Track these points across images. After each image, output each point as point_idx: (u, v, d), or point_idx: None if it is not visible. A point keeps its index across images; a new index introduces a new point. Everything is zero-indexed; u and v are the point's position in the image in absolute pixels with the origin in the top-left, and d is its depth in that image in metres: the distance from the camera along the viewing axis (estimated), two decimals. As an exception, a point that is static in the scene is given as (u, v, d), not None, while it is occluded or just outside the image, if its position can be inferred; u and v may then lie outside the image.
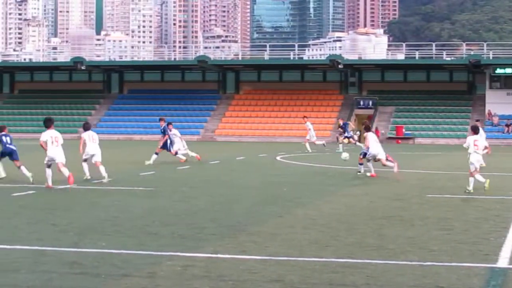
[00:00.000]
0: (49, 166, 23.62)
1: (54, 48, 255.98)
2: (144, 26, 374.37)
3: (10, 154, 26.38)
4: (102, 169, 26.27)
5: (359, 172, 29.28)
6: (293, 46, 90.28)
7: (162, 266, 11.21)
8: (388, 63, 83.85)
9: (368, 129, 29.90)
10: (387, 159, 29.00)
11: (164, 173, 29.89)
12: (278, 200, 20.52)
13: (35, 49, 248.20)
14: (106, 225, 15.41)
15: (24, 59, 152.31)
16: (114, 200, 20.05)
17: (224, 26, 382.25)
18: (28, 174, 24.83)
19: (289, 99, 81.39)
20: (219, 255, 12.06)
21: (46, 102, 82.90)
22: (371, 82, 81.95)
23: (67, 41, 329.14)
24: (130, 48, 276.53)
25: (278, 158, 39.57)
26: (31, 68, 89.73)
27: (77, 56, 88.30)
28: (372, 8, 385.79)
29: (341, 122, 54.10)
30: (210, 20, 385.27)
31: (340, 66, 77.84)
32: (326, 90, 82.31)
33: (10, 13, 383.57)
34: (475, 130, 23.88)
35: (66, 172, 23.46)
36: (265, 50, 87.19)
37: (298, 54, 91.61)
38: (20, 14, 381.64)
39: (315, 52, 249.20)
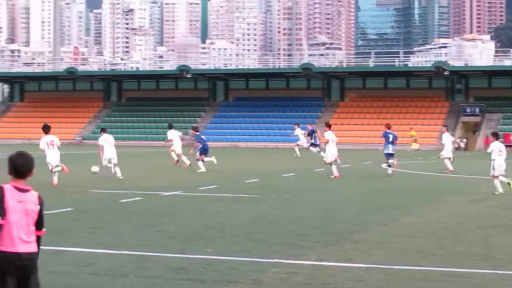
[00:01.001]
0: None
1: (160, 57, 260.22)
2: (248, 34, 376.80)
3: None
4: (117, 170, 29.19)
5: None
6: (398, 53, 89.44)
7: (267, 273, 11.24)
8: (495, 70, 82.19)
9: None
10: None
11: (269, 180, 29.97)
12: (383, 207, 20.36)
13: (142, 57, 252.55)
14: (212, 231, 15.56)
15: (131, 68, 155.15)
16: (220, 207, 20.23)
17: (328, 33, 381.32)
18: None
19: (394, 106, 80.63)
20: (323, 263, 12.03)
21: (153, 110, 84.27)
22: (477, 88, 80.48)
23: (173, 50, 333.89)
24: (235, 56, 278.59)
25: (383, 165, 39.21)
26: (138, 77, 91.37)
27: (182, 64, 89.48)
28: (478, 14, 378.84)
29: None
30: (314, 27, 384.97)
31: (446, 73, 76.73)
32: (431, 97, 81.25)
33: (117, 23, 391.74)
34: (496, 136, 25.48)
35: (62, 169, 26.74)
36: (370, 57, 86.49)
37: (403, 61, 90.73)
38: (127, 24, 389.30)
39: (420, 59, 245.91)
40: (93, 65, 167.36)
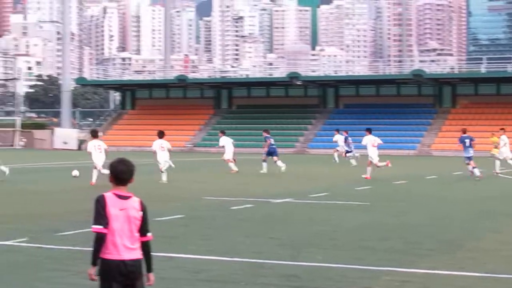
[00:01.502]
0: (95, 167, 29.50)
1: (270, 64, 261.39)
2: (358, 41, 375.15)
3: None
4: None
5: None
6: (511, 58, 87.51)
7: (379, 281, 11.21)
8: None
9: None
10: None
11: (380, 187, 29.80)
12: (495, 214, 20.01)
13: (252, 65, 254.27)
14: (323, 239, 15.59)
15: (241, 75, 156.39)
16: (331, 214, 20.24)
17: (439, 39, 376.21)
18: None
19: (507, 112, 78.89)
20: (436, 271, 11.92)
21: (263, 117, 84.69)
22: None
23: (282, 57, 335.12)
24: (345, 62, 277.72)
25: (496, 172, 38.47)
26: (248, 84, 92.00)
27: (292, 71, 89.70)
28: None
29: (345, 135, 51.75)
30: (425, 33, 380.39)
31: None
32: (547, 102, 79.12)
33: (227, 30, 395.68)
34: None
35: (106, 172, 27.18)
36: (482, 63, 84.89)
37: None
38: (237, 31, 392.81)
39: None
40: (203, 72, 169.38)
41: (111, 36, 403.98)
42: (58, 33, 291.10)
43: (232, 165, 38.36)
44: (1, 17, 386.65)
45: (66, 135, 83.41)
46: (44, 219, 18.60)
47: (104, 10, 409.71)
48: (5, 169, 33.42)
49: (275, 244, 14.77)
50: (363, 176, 34.42)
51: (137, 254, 7.07)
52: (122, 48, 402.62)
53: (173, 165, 32.95)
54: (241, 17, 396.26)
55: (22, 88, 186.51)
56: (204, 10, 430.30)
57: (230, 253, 13.59)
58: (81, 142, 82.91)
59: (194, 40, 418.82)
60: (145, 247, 7.18)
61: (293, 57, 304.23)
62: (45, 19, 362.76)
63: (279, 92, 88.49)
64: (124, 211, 6.99)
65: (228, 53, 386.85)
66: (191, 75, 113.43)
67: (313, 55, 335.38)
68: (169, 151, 32.50)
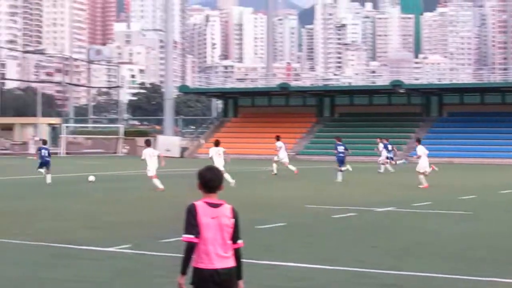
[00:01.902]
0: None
1: (373, 72, 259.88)
2: (462, 48, 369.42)
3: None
4: None
5: None
6: None
7: (482, 291, 11.10)
8: None
9: None
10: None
11: (485, 196, 29.33)
12: None
13: (354, 73, 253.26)
14: (425, 248, 15.48)
15: (344, 83, 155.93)
16: (433, 224, 20.05)
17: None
18: None
19: None
20: (542, 283, 11.72)
21: (365, 126, 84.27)
22: None
23: (385, 65, 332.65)
24: (449, 70, 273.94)
25: None
26: (351, 92, 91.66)
27: (395, 79, 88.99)
28: None
29: (385, 142, 51.85)
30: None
31: None
32: None
33: (329, 38, 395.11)
34: None
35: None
36: None
37: None
38: (339, 39, 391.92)
39: None
40: (306, 80, 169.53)
41: (214, 44, 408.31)
42: (161, 41, 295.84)
43: (291, 166, 41.34)
44: (105, 25, 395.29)
45: (168, 143, 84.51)
46: (147, 226, 18.96)
47: (207, 18, 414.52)
48: (92, 178, 35.68)
49: (378, 253, 14.73)
50: (420, 186, 33.90)
51: (230, 262, 7.01)
52: (225, 56, 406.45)
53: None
54: (343, 25, 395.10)
55: (125, 96, 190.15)
56: (306, 18, 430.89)
57: (331, 262, 13.61)
58: (184, 150, 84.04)
59: (296, 48, 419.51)
60: (236, 254, 7.10)
61: (396, 65, 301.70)
62: (148, 28, 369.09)
63: (382, 100, 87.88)
64: (215, 219, 6.96)
65: (331, 61, 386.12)
66: (293, 83, 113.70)
67: (416, 63, 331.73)
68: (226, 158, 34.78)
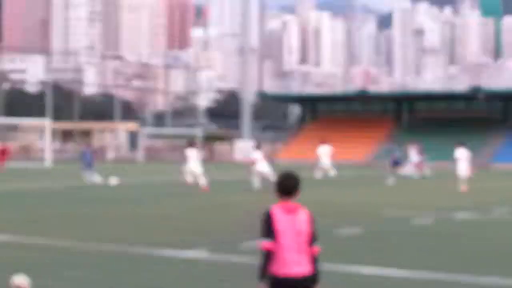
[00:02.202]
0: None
1: (452, 77, 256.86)
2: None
3: None
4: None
5: None
6: None
7: None
8: None
9: None
10: None
11: None
12: None
13: (433, 78, 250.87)
14: (506, 256, 15.18)
15: (422, 88, 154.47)
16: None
17: None
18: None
19: None
20: None
21: (444, 131, 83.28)
22: None
23: (464, 70, 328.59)
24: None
25: None
26: (430, 97, 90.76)
27: (475, 84, 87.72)
28: None
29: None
30: None
31: None
32: None
33: (408, 43, 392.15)
34: None
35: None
36: None
37: None
38: (418, 44, 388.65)
39: None
40: (384, 85, 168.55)
41: (291, 49, 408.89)
42: (239, 46, 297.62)
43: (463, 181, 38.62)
44: (182, 31, 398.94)
45: (246, 148, 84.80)
46: (224, 231, 18.99)
47: (284, 23, 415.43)
48: (114, 181, 36.95)
49: (456, 261, 14.49)
50: (461, 190, 34.13)
51: (307, 268, 6.98)
52: (302, 61, 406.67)
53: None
54: (422, 30, 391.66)
55: (203, 101, 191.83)
56: (384, 22, 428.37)
57: (408, 269, 13.42)
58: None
59: (374, 53, 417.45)
60: (313, 260, 7.06)
61: (475, 70, 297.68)
62: (226, 33, 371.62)
63: (461, 106, 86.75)
64: (292, 224, 6.94)
65: (409, 65, 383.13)
66: (371, 88, 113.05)
67: (496, 68, 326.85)
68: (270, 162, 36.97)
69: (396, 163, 41.42)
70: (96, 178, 38.08)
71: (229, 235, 18.08)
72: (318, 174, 44.45)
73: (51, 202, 27.55)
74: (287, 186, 7.04)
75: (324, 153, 44.95)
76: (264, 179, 34.49)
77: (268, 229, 6.91)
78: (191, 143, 36.17)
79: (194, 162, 34.01)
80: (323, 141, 46.89)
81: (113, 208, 25.19)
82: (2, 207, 24.87)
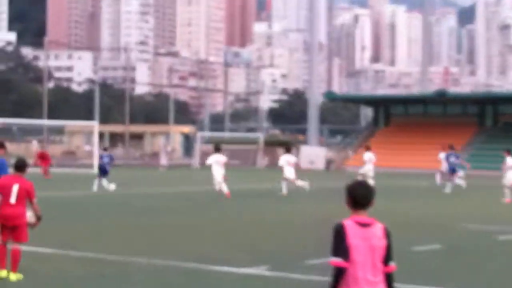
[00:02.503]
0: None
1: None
2: None
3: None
4: None
5: None
6: None
7: None
8: None
9: None
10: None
11: None
12: None
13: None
14: None
15: (508, 89, 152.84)
16: None
17: None
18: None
19: None
20: None
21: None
22: None
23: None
24: None
25: None
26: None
27: None
28: None
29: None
30: None
31: None
32: None
33: (492, 40, 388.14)
34: None
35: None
36: None
37: None
38: (503, 41, 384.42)
39: None
40: (465, 86, 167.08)
41: (363, 46, 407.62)
42: (305, 42, 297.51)
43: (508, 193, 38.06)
44: (244, 26, 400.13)
45: (313, 154, 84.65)
46: (288, 246, 18.96)
47: (356, 18, 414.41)
48: (113, 186, 38.04)
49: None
50: (503, 200, 34.36)
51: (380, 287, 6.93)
52: (375, 59, 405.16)
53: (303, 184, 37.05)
54: (507, 25, 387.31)
55: (265, 102, 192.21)
56: (466, 17, 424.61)
57: (496, 290, 13.25)
58: (329, 162, 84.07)
59: (455, 50, 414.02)
60: (388, 279, 6.99)
61: None
62: (291, 28, 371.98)
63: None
64: (366, 240, 6.89)
65: (494, 64, 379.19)
66: (451, 89, 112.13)
67: None
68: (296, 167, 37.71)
69: (453, 170, 42.06)
70: (111, 186, 38.51)
71: (292, 250, 18.03)
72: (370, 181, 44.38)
73: (96, 212, 27.79)
74: (360, 197, 6.99)
75: (369, 160, 45.69)
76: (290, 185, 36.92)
77: (340, 245, 6.86)
78: (287, 148, 39.15)
79: (289, 168, 36.91)
80: (368, 148, 47.95)
81: (164, 219, 25.29)
82: (47, 217, 25.15)
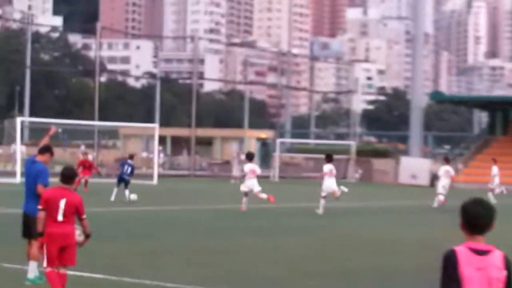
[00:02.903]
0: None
1: None
2: None
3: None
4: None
5: None
6: None
7: None
8: None
9: None
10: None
11: None
12: None
13: None
14: None
15: None
16: None
17: None
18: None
19: None
20: None
21: None
22: None
23: None
24: None
25: None
26: None
27: None
28: None
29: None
30: None
31: None
32: None
33: None
34: None
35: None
36: None
37: None
38: None
39: None
40: None
41: (478, 37, 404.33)
42: (408, 33, 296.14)
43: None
44: (334, 12, 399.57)
45: (415, 167, 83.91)
46: (393, 275, 19.08)
47: (469, 3, 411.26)
48: (134, 196, 39.59)
49: None
50: None
51: None
52: (492, 53, 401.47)
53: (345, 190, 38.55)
54: None
55: (358, 104, 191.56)
56: None
57: None
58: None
59: None
60: None
61: None
62: (391, 15, 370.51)
63: None
64: (482, 271, 6.81)
65: None
66: None
67: None
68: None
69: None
70: (132, 196, 40.19)
71: (401, 279, 17.98)
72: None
73: (155, 230, 27.91)
74: (478, 218, 6.91)
75: (496, 174, 48.33)
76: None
77: (451, 276, 6.81)
78: (446, 159, 42.66)
79: (445, 179, 39.81)
80: (495, 161, 49.93)
81: (241, 240, 25.37)
82: (97, 236, 25.32)
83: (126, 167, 41.61)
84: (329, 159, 38.18)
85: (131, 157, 43.43)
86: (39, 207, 13.97)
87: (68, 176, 14.07)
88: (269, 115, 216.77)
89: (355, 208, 42.06)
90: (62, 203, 13.68)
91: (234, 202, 39.71)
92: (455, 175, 40.29)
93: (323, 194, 36.84)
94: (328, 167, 37.42)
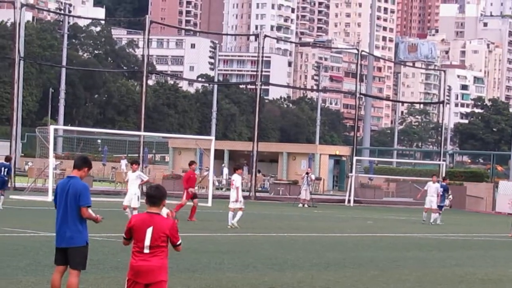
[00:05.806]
0: None
1: None
2: None
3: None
4: None
5: None
6: None
7: None
8: None
9: None
10: None
11: None
12: None
13: None
14: None
15: None
16: None
17: None
18: None
19: None
20: None
21: None
22: None
23: None
24: None
25: None
26: None
27: None
28: None
29: None
30: None
31: None
32: None
33: None
34: None
35: None
36: None
37: None
38: None
39: None
40: None
41: None
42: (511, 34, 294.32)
43: None
44: (425, 8, 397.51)
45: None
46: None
47: None
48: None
49: None
50: None
51: None
52: None
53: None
54: None
55: (451, 117, 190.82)
56: None
57: None
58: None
59: None
60: None
61: None
62: (492, 12, 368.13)
63: None
64: None
65: None
66: None
67: None
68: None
69: None
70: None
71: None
72: None
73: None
74: None
75: None
76: None
77: None
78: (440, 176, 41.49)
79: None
80: None
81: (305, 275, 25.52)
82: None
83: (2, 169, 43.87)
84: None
85: (8, 159, 45.98)
86: (124, 236, 13.72)
87: (155, 196, 13.66)
88: (345, 128, 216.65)
89: (447, 240, 42.00)
90: (149, 232, 13.37)
91: (301, 228, 39.80)
92: None
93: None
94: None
